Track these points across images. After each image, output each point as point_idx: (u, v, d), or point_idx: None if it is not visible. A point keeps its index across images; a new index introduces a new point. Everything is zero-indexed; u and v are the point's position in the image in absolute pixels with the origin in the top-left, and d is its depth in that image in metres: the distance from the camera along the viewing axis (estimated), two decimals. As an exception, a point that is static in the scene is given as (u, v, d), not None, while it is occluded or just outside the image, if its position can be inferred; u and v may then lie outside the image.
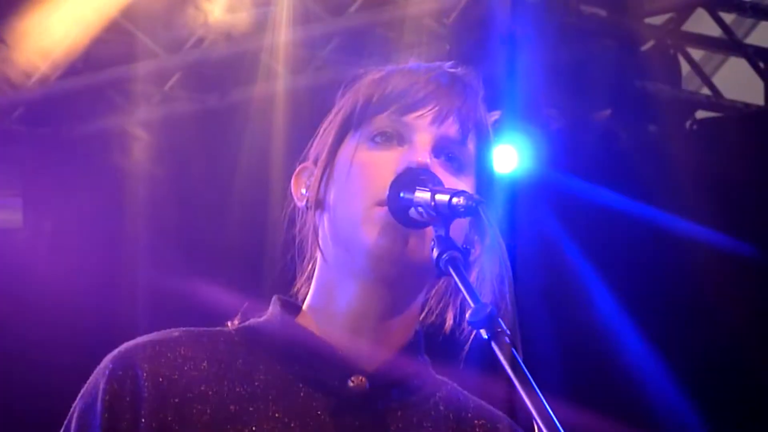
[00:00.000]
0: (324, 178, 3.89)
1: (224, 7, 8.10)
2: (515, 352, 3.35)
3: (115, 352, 3.91)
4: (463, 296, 3.49)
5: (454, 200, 3.57)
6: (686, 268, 8.54)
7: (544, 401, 3.22)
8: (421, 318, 3.93)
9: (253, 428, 3.86)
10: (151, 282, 8.51)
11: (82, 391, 3.94)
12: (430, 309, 3.91)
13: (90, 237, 9.29)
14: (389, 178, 3.69)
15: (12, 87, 8.45)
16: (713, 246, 8.41)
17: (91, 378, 3.91)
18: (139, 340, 3.89)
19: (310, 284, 3.95)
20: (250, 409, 3.88)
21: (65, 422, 3.93)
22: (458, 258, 3.53)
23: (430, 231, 3.68)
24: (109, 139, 8.84)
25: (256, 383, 3.91)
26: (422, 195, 3.62)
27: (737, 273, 8.80)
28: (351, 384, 3.85)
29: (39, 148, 9.21)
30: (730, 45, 8.77)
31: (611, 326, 7.98)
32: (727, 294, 8.72)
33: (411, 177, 3.67)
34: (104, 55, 8.46)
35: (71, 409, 3.93)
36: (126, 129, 8.65)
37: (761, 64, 8.67)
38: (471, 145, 3.86)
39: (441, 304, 3.87)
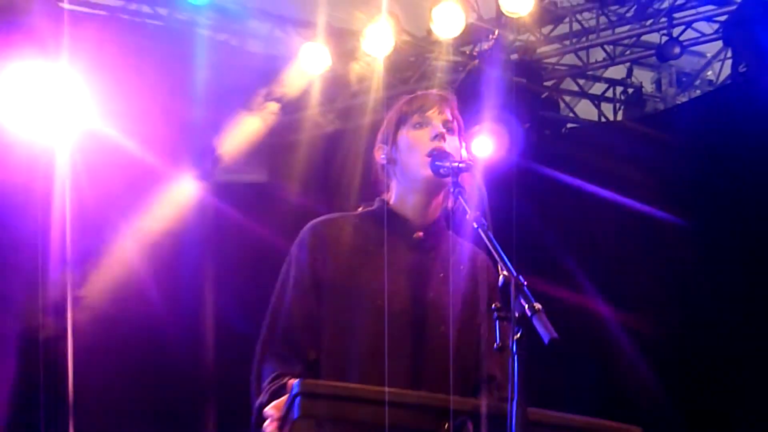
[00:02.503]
0: (393, 148, 3.90)
1: (354, 79, 7.96)
2: (490, 234, 3.42)
3: (310, 224, 3.93)
4: (462, 204, 3.60)
5: (461, 165, 3.66)
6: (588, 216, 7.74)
7: (506, 259, 3.29)
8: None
9: (374, 260, 3.80)
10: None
11: (291, 249, 3.93)
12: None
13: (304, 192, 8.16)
14: (428, 143, 3.77)
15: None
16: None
17: (296, 241, 3.92)
18: (320, 218, 3.94)
19: (389, 196, 3.93)
20: (370, 249, 3.84)
21: (283, 270, 3.92)
22: (462, 191, 3.61)
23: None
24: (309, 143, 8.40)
25: (373, 237, 3.88)
26: (446, 162, 3.71)
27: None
28: (414, 236, 3.87)
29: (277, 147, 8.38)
30: (582, 94, 8.61)
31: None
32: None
33: (439, 153, 3.75)
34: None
35: (286, 263, 3.93)
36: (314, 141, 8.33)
37: (597, 102, 8.60)
38: (456, 125, 3.89)
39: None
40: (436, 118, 3.88)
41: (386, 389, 3.32)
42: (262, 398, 3.67)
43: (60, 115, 6.99)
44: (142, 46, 7.43)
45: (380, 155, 3.99)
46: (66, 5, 7.10)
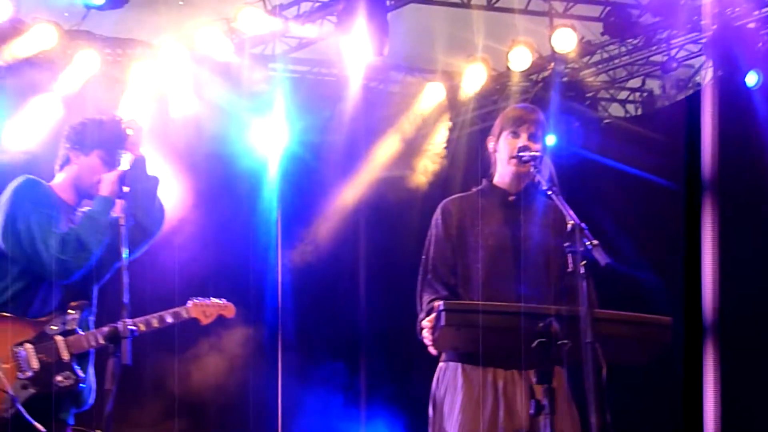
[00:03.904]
0: (497, 144, 3.86)
1: (461, 103, 7.91)
2: (560, 197, 3.40)
3: (443, 201, 3.88)
4: (540, 179, 3.59)
5: (537, 154, 3.64)
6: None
7: (572, 212, 3.27)
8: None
9: (484, 217, 3.78)
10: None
11: (432, 219, 3.86)
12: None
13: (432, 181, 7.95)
14: (515, 150, 3.74)
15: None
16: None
17: (435, 213, 3.85)
18: (450, 197, 3.93)
19: (494, 173, 3.86)
20: (481, 210, 3.79)
21: (429, 233, 3.86)
22: (540, 170, 3.59)
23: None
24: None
25: (482, 203, 3.83)
26: (527, 153, 3.69)
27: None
28: (509, 198, 3.82)
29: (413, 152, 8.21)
30: (613, 99, 8.35)
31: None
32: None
33: (523, 148, 3.72)
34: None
35: (430, 228, 3.86)
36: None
37: (623, 104, 8.47)
38: (539, 133, 3.81)
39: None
40: (524, 131, 3.80)
41: (479, 302, 3.41)
42: (421, 315, 3.72)
43: (277, 143, 7.23)
44: (324, 95, 7.50)
45: (490, 145, 3.95)
46: (278, 73, 7.30)
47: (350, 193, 7.79)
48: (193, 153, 6.73)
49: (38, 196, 3.96)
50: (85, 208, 4.06)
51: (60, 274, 3.86)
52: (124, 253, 3.56)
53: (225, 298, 4.68)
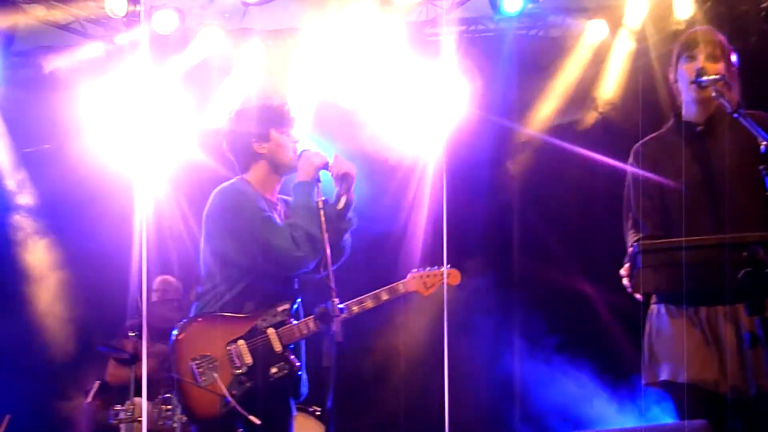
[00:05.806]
0: (676, 74, 3.71)
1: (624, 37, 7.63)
2: (746, 118, 3.25)
3: (636, 144, 3.80)
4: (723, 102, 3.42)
5: (715, 76, 3.49)
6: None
7: (762, 132, 3.12)
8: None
9: (672, 151, 3.65)
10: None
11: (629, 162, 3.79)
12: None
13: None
14: (693, 73, 3.60)
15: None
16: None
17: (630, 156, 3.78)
18: (642, 140, 3.81)
19: (679, 106, 3.74)
20: (669, 145, 3.69)
21: (627, 178, 3.80)
22: (720, 94, 3.45)
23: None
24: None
25: (670, 139, 3.72)
26: (707, 77, 3.53)
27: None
28: (698, 130, 3.68)
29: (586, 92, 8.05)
30: None
31: None
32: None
33: (699, 71, 3.57)
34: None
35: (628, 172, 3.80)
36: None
37: None
38: (717, 52, 3.64)
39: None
40: (702, 52, 3.68)
41: (673, 240, 3.22)
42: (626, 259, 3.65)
43: (446, 106, 7.16)
44: (482, 49, 7.43)
45: (671, 78, 3.84)
46: (435, 38, 7.32)
47: (523, 144, 7.70)
48: (360, 132, 6.84)
49: (242, 197, 4.08)
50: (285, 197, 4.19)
51: (296, 268, 4.02)
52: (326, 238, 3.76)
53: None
